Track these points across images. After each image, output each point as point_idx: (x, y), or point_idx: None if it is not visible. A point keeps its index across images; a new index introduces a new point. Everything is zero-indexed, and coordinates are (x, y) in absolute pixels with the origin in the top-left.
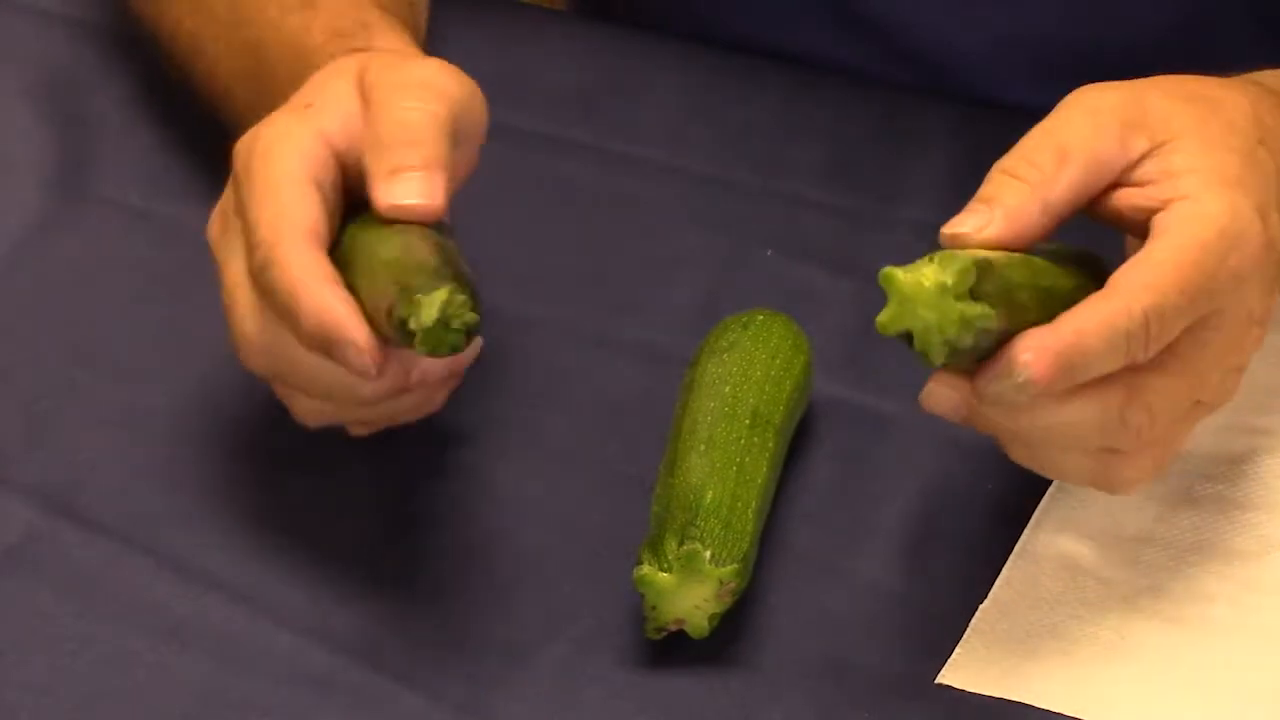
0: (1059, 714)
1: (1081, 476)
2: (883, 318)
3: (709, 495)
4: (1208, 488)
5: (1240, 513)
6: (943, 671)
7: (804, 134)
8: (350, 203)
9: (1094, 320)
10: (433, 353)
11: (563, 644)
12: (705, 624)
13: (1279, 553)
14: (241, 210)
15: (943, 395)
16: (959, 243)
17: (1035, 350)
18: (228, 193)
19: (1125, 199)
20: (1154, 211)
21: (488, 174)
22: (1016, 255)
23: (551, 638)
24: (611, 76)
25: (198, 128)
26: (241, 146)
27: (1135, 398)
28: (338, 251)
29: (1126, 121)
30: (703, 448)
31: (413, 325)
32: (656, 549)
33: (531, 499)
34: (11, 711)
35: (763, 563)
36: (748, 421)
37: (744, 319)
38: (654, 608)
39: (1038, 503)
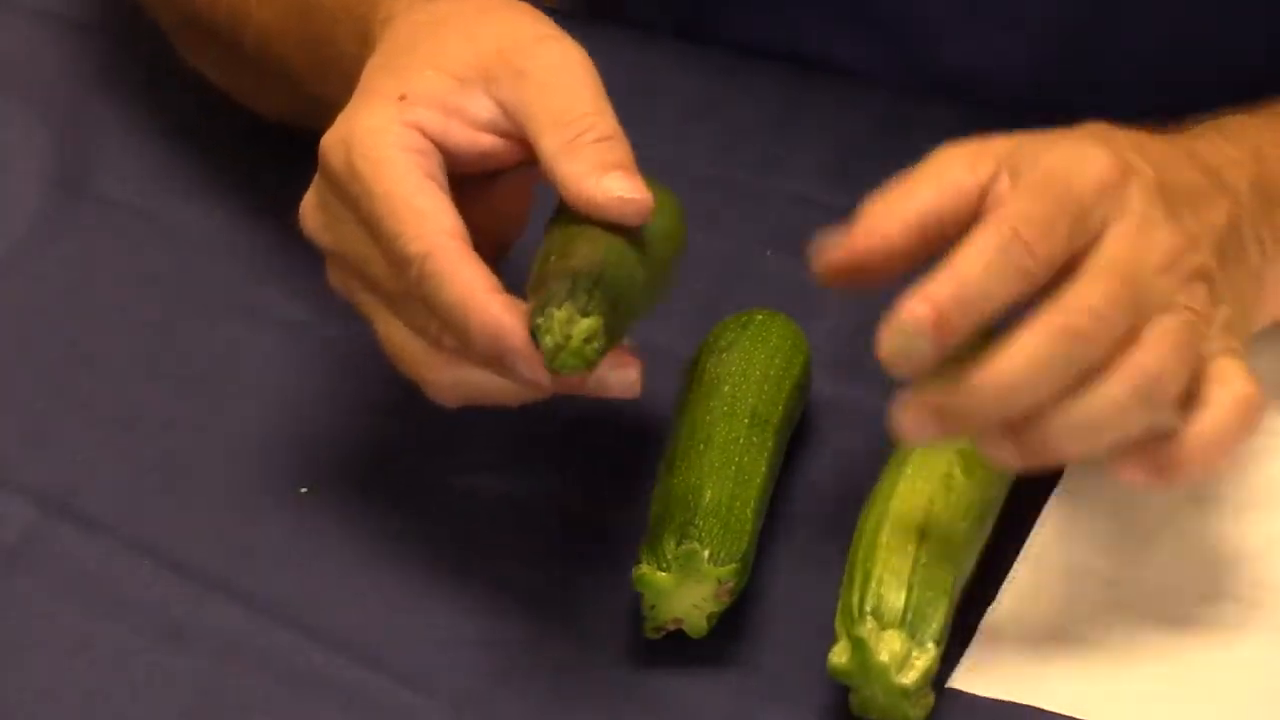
0: (1070, 717)
1: (1118, 425)
2: (853, 708)
3: (707, 495)
4: (1213, 488)
5: (1247, 512)
6: (953, 675)
7: (804, 134)
8: None
9: (967, 248)
10: (556, 371)
11: (562, 644)
12: (704, 623)
13: None
14: (366, 219)
15: (911, 419)
16: (827, 265)
17: (918, 297)
18: (320, 188)
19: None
20: None
21: None
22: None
23: (551, 637)
24: (612, 76)
25: (198, 127)
26: (335, 143)
27: (1058, 304)
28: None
29: (969, 154)
30: (701, 447)
31: (539, 339)
32: (655, 548)
33: (530, 498)
34: (11, 711)
35: (761, 562)
36: (746, 421)
37: (743, 319)
38: (652, 607)
39: (1042, 505)
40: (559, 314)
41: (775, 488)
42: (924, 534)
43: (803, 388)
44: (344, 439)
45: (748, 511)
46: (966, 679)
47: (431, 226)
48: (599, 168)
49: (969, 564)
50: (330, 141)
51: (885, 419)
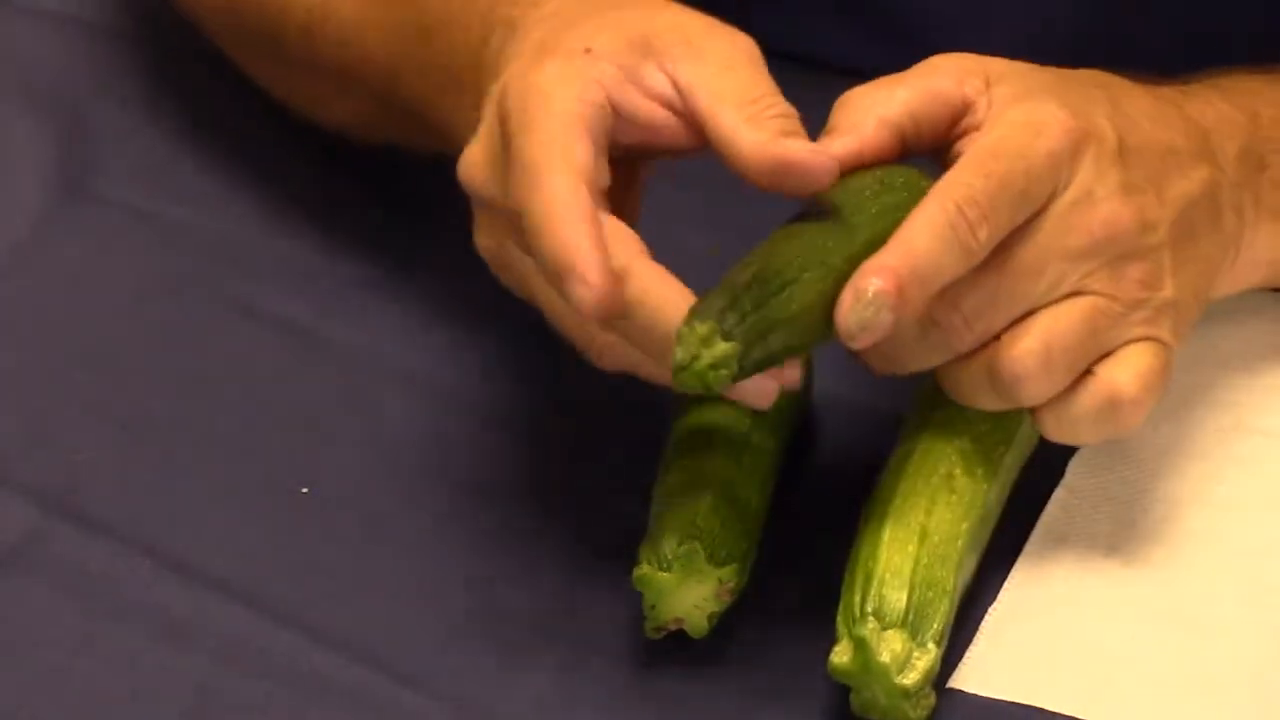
0: (1070, 717)
1: (978, 388)
2: (854, 708)
3: (707, 494)
4: (1216, 489)
5: (1249, 513)
6: (953, 675)
7: (807, 133)
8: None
9: (916, 223)
10: (682, 389)
11: (563, 644)
12: (704, 623)
13: None
14: (510, 148)
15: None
16: (818, 168)
17: (875, 270)
18: (493, 135)
19: (964, 142)
20: None
21: None
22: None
23: (551, 638)
24: None
25: (198, 128)
26: (514, 85)
27: (942, 298)
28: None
29: (963, 68)
30: (702, 447)
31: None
32: (656, 548)
33: (531, 498)
34: (11, 711)
35: (762, 562)
36: (748, 420)
37: None
38: (653, 607)
39: (1043, 504)
40: (700, 329)
41: (776, 487)
42: (925, 534)
43: (804, 387)
44: (344, 439)
45: (748, 511)
46: (967, 679)
47: (556, 149)
48: (783, 134)
49: (970, 564)
50: (508, 84)
51: (886, 420)
